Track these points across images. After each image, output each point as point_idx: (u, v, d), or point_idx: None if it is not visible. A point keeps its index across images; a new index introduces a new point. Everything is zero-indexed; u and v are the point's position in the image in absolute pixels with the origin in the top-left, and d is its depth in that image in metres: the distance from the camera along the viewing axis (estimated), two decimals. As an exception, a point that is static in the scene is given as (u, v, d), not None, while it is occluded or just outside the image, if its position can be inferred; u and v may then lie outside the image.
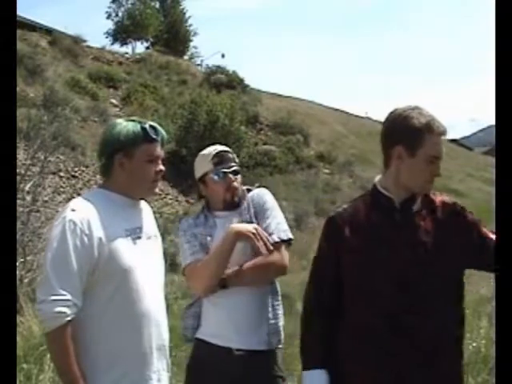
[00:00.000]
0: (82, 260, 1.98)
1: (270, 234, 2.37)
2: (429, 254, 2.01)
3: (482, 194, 18.95)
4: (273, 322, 2.38)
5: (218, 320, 2.37)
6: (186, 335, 2.50)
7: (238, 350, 2.33)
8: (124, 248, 2.06)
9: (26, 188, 6.17)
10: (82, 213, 2.02)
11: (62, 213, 2.05)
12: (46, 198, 7.85)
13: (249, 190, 2.52)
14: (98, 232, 2.02)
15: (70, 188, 11.36)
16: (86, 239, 1.99)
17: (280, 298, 2.48)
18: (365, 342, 2.02)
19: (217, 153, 2.48)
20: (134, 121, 2.17)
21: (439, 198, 2.13)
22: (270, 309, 2.39)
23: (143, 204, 2.27)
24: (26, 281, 5.54)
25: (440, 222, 2.07)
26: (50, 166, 8.04)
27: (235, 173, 2.48)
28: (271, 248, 2.32)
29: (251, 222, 2.39)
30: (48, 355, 3.82)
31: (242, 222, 2.40)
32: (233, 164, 2.48)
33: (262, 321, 2.35)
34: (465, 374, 2.12)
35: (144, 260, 2.12)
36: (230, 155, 2.50)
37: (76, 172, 12.24)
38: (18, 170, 5.76)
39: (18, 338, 4.20)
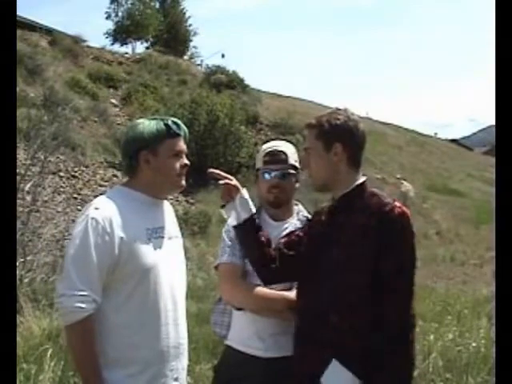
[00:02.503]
0: (102, 257, 2.00)
1: None
2: (339, 255, 2.02)
3: (482, 194, 18.98)
4: None
5: (244, 327, 2.36)
6: (215, 331, 2.51)
7: (264, 356, 2.31)
8: (144, 248, 2.08)
9: (26, 188, 6.16)
10: (105, 211, 2.05)
11: (86, 210, 2.09)
12: (45, 198, 7.84)
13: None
14: (120, 231, 2.04)
15: (70, 188, 11.35)
16: (107, 237, 2.02)
17: None
18: (296, 333, 2.14)
19: (270, 151, 2.42)
20: (155, 119, 2.20)
21: (391, 206, 1.99)
22: None
23: (166, 204, 2.28)
24: (26, 281, 5.53)
25: (365, 229, 1.99)
26: (49, 166, 8.04)
27: (283, 175, 2.40)
28: None
29: None
30: (48, 355, 3.84)
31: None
32: (283, 166, 2.39)
33: (286, 327, 2.28)
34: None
35: (164, 260, 2.14)
36: (283, 156, 2.40)
37: (76, 172, 12.22)
38: (17, 170, 5.76)
39: (18, 338, 4.21)
